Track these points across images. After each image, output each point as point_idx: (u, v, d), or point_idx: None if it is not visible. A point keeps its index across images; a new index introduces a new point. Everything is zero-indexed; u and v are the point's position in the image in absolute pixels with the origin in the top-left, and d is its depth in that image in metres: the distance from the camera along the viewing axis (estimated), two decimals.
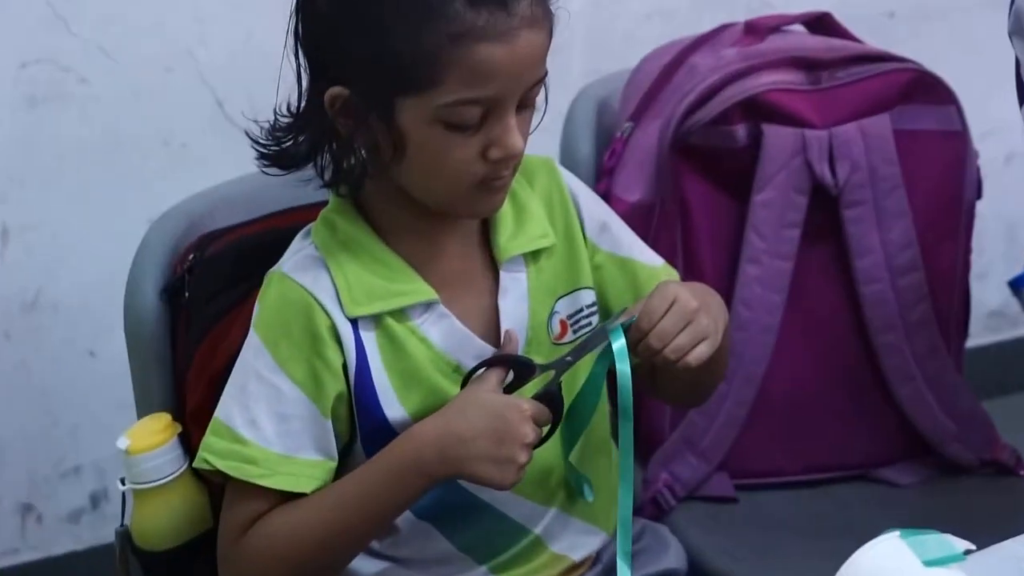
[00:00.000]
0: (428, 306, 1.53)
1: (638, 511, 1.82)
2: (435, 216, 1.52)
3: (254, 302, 1.54)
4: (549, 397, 1.49)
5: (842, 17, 2.17)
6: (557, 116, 2.08)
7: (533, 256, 1.59)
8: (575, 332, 1.61)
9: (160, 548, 1.59)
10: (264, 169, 1.54)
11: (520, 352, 1.56)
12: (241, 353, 1.52)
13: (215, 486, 1.56)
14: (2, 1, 2.47)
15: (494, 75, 1.40)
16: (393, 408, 1.52)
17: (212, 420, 1.50)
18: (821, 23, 2.16)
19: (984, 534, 1.34)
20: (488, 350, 1.54)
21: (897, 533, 1.25)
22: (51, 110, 2.52)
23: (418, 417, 1.50)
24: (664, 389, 1.68)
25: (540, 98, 1.49)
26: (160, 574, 1.62)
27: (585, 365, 1.55)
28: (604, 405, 1.66)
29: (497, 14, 1.39)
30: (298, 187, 1.55)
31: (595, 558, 1.67)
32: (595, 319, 1.63)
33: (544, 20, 1.44)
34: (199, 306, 1.65)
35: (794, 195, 1.99)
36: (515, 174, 1.51)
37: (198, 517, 1.60)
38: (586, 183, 1.73)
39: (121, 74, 2.54)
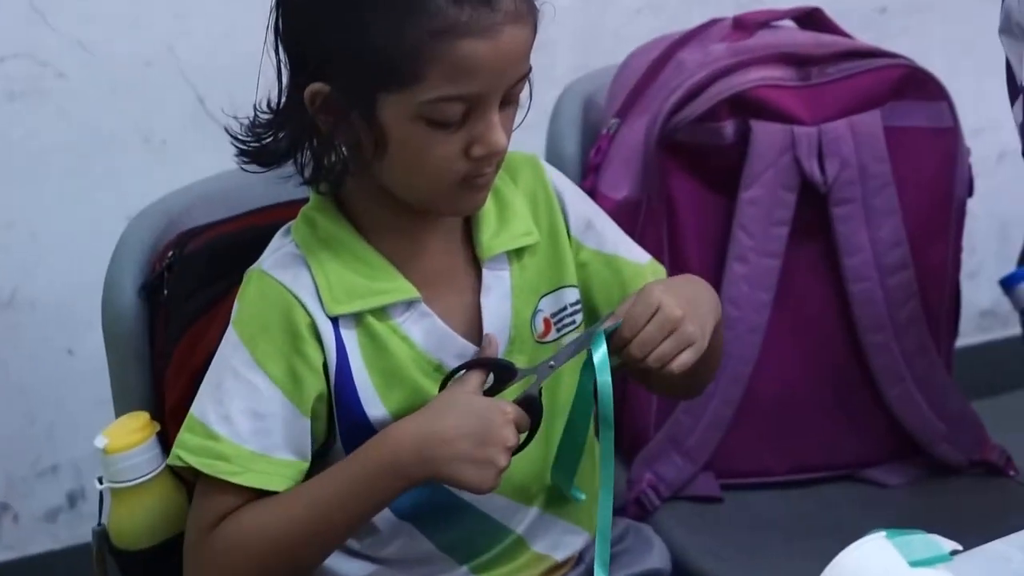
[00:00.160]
0: (410, 304, 1.51)
1: (622, 511, 1.82)
2: (417, 214, 1.51)
3: (233, 300, 1.53)
4: (529, 402, 1.47)
5: (833, 12, 2.16)
6: (543, 112, 2.07)
7: (517, 254, 1.58)
8: (559, 330, 1.60)
9: (137, 547, 1.58)
10: (244, 166, 1.52)
11: (503, 350, 1.55)
12: (219, 350, 1.51)
13: (192, 485, 1.54)
14: None
15: (477, 71, 1.39)
16: (374, 407, 1.50)
17: (187, 416, 1.49)
18: (811, 18, 2.15)
19: (973, 535, 1.33)
20: (470, 349, 1.53)
21: (883, 533, 1.25)
22: (28, 105, 2.51)
23: (399, 416, 1.49)
24: (658, 383, 1.68)
25: (524, 94, 1.48)
26: (137, 573, 1.61)
27: (571, 373, 1.54)
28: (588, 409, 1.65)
29: (480, 9, 1.37)
30: (278, 184, 1.54)
31: (578, 558, 1.67)
32: (579, 317, 1.62)
33: (528, 15, 1.43)
34: (178, 304, 1.64)
35: (782, 192, 1.98)
36: (498, 171, 1.50)
37: (175, 516, 1.58)
38: (572, 180, 1.72)
39: (100, 69, 2.54)
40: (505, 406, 1.44)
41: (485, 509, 1.57)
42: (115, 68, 2.54)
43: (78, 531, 2.65)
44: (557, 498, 1.62)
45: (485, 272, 1.56)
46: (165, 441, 1.58)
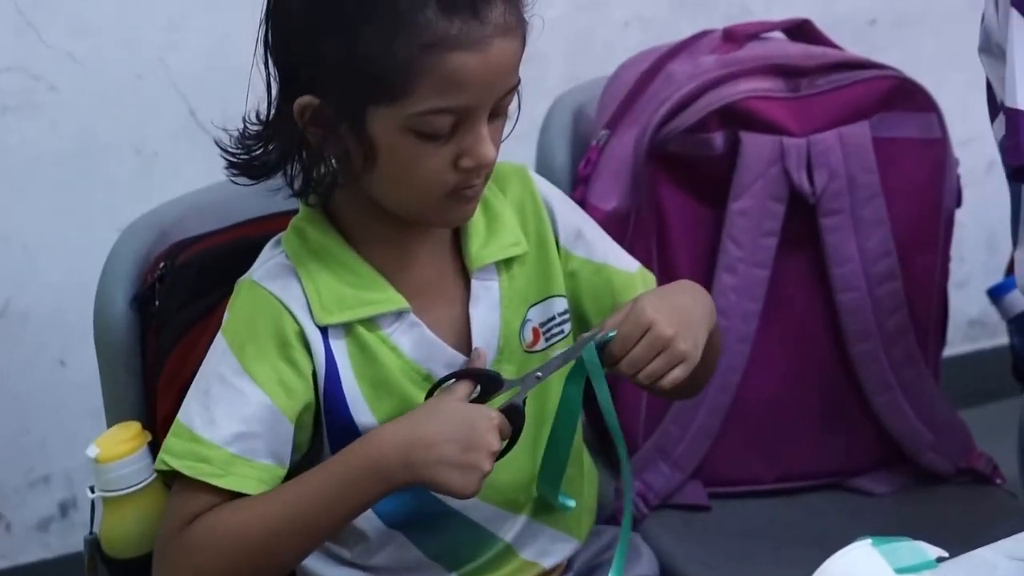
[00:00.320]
0: (399, 315, 1.52)
1: (610, 519, 1.82)
2: (406, 225, 1.52)
3: (224, 311, 1.54)
4: (513, 411, 1.48)
5: (823, 24, 2.17)
6: (534, 123, 2.08)
7: (505, 264, 1.58)
8: (547, 340, 1.61)
9: (129, 556, 1.58)
10: (233, 179, 1.53)
11: (492, 360, 1.55)
12: (207, 357, 1.51)
13: None
14: None
15: (466, 84, 1.39)
16: (364, 416, 1.51)
17: (174, 423, 1.49)
18: (801, 30, 2.15)
19: (959, 542, 1.34)
20: (459, 359, 1.54)
21: (869, 540, 1.25)
22: (21, 118, 2.52)
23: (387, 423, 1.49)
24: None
25: (513, 106, 1.49)
26: None
27: (560, 383, 1.55)
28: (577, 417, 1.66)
29: (470, 23, 1.38)
30: (269, 196, 1.54)
31: (566, 565, 1.68)
32: (567, 327, 1.63)
33: (517, 28, 1.43)
34: (169, 315, 1.64)
35: (771, 203, 1.98)
36: (487, 183, 1.51)
37: None
38: (562, 191, 1.72)
39: (92, 82, 2.54)
40: (489, 412, 1.45)
41: (474, 517, 1.58)
42: (107, 80, 2.54)
43: (70, 540, 2.65)
44: (545, 506, 1.62)
45: (474, 283, 1.56)
46: (156, 451, 1.57)
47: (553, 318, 1.61)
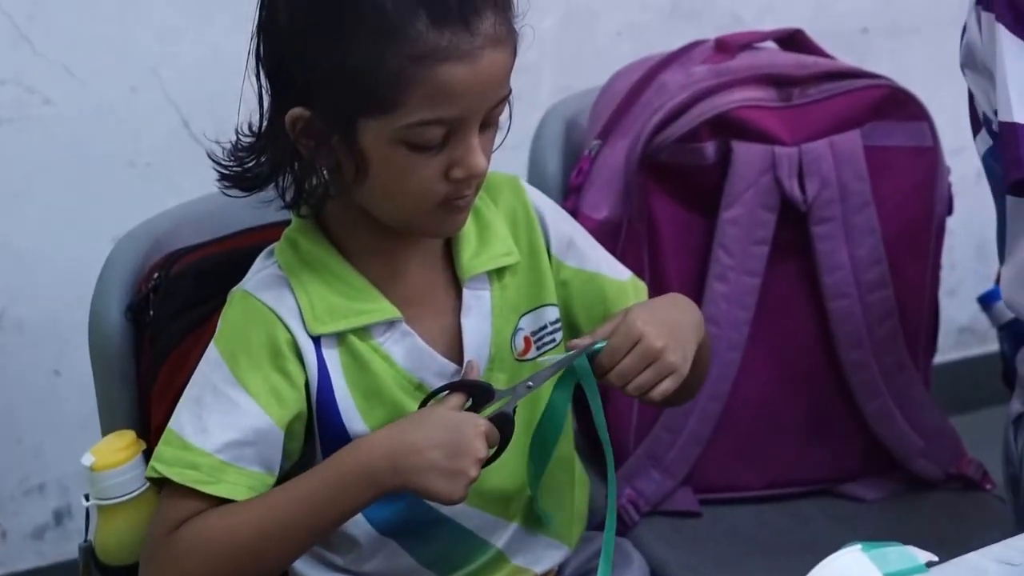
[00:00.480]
0: (391, 324, 1.53)
1: (601, 526, 1.81)
2: (398, 235, 1.52)
3: (218, 320, 1.54)
4: (503, 419, 1.48)
5: (815, 33, 2.17)
6: (526, 134, 2.08)
7: (497, 274, 1.59)
8: (539, 348, 1.61)
9: (123, 563, 1.59)
10: (225, 191, 1.53)
11: (484, 369, 1.56)
12: (199, 366, 1.52)
13: None
14: None
15: (457, 96, 1.40)
16: (356, 425, 1.52)
17: (165, 430, 1.50)
18: (793, 40, 2.16)
19: (949, 547, 1.34)
20: (450, 368, 1.55)
21: (859, 546, 1.25)
22: (16, 130, 2.53)
23: None
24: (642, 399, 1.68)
25: (504, 116, 1.49)
26: None
27: (548, 395, 1.56)
28: (568, 424, 1.66)
29: (460, 34, 1.38)
30: (263, 207, 1.54)
31: (557, 572, 1.68)
32: (559, 335, 1.64)
33: (507, 39, 1.44)
34: (164, 324, 1.65)
35: (762, 212, 1.99)
36: (478, 193, 1.51)
37: None
38: (554, 200, 1.72)
39: (86, 94, 2.55)
40: (476, 419, 1.45)
41: (466, 524, 1.58)
42: (101, 93, 2.55)
43: (64, 548, 2.65)
44: (537, 513, 1.63)
45: (465, 292, 1.57)
46: (150, 459, 1.60)
47: (545, 327, 1.62)
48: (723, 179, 1.99)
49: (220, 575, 1.46)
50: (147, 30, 2.57)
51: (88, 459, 1.56)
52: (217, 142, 1.52)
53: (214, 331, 1.54)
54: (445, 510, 1.55)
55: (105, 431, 1.68)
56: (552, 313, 1.62)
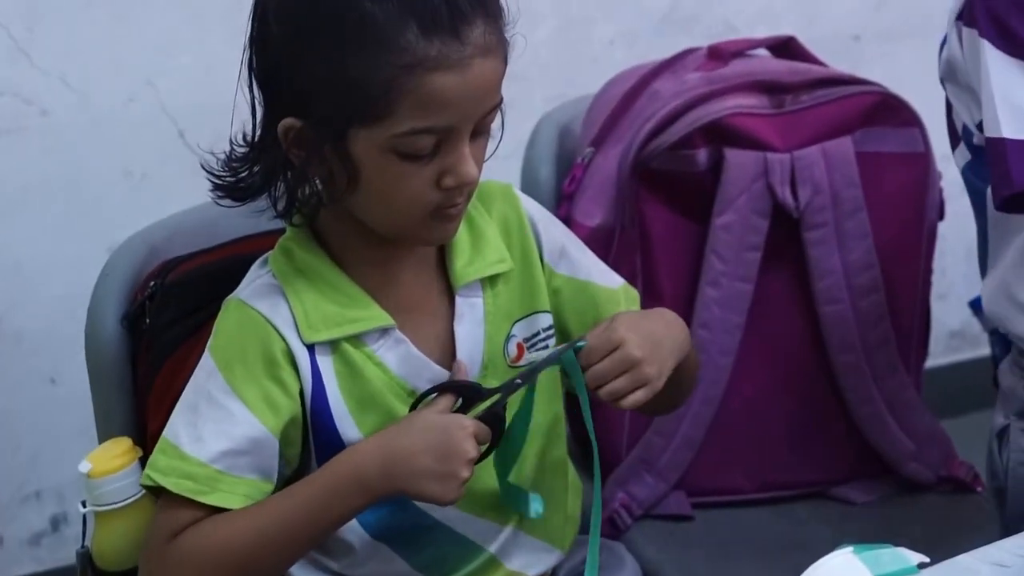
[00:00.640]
0: (384, 332, 1.53)
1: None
2: (391, 243, 1.53)
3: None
4: (492, 417, 1.49)
5: (807, 41, 2.18)
6: (519, 141, 2.09)
7: (490, 281, 1.59)
8: (531, 355, 1.62)
9: (120, 568, 1.60)
10: (218, 201, 1.54)
11: (476, 375, 1.57)
12: (194, 375, 1.52)
13: None
14: None
15: (447, 105, 1.40)
16: (350, 431, 1.52)
17: (160, 439, 1.51)
18: (786, 47, 2.17)
19: (941, 549, 1.35)
20: (444, 375, 1.55)
21: (850, 548, 1.26)
22: (13, 142, 2.54)
23: None
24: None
25: (496, 124, 1.49)
26: None
27: (543, 401, 1.58)
28: (561, 427, 1.67)
29: (450, 44, 1.39)
30: (258, 215, 1.55)
31: (551, 575, 1.68)
32: (552, 342, 1.64)
33: (498, 48, 1.44)
34: (159, 332, 1.65)
35: (755, 218, 1.99)
36: (470, 201, 1.52)
37: None
38: (546, 208, 1.73)
39: (82, 105, 2.56)
40: (463, 420, 1.46)
41: (459, 529, 1.59)
42: (97, 104, 2.56)
43: (60, 554, 2.66)
44: (530, 517, 1.62)
45: (458, 300, 1.57)
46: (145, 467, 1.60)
47: (538, 333, 1.62)
48: (715, 186, 1.99)
49: None
50: (143, 42, 2.57)
51: (85, 466, 1.57)
52: (211, 153, 1.53)
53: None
54: (438, 515, 1.56)
55: (102, 438, 1.68)
56: (545, 320, 1.63)
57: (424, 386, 1.53)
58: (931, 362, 2.25)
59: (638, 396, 1.49)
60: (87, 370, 1.71)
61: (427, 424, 1.46)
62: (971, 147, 1.81)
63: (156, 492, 1.51)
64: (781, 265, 2.03)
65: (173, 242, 1.72)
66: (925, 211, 2.09)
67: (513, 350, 1.60)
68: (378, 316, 1.52)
